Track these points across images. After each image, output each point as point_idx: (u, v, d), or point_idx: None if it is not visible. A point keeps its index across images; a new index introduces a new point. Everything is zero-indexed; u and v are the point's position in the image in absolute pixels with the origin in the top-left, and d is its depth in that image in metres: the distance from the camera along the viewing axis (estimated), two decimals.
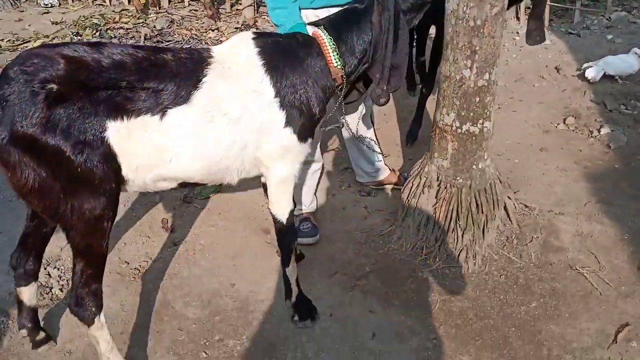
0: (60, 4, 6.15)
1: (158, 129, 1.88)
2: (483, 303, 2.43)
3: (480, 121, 2.39)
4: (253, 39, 2.06)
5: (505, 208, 2.65)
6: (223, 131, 1.97)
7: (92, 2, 6.17)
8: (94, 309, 2.00)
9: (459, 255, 2.57)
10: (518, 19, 5.12)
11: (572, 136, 3.60)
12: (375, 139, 3.12)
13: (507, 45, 4.78)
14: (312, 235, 2.85)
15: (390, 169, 3.24)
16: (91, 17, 5.64)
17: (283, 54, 2.07)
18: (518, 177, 3.25)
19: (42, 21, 5.73)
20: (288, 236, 2.30)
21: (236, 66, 2.00)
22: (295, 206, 2.35)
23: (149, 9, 5.79)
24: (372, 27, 2.14)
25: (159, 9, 5.86)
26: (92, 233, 1.89)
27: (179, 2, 6.00)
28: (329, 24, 2.20)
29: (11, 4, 5.94)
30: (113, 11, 5.82)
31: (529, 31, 2.99)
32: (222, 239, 2.93)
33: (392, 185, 3.22)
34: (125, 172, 1.90)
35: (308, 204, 2.94)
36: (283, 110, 2.06)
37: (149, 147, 1.89)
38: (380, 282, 2.58)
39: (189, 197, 3.26)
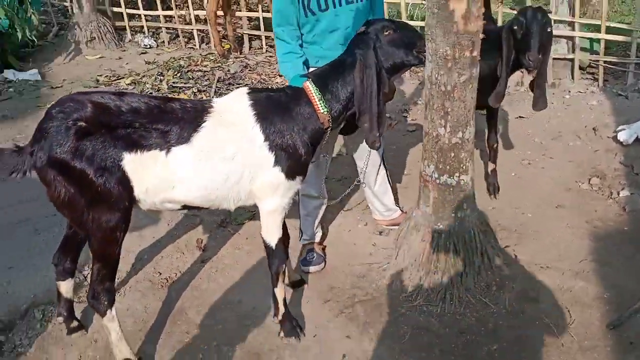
0: (157, 46, 6.98)
1: (164, 162, 2.33)
2: (449, 340, 2.65)
3: (457, 174, 2.65)
4: (248, 93, 2.49)
5: (487, 257, 2.84)
6: (218, 167, 2.38)
7: (185, 45, 6.96)
8: (106, 303, 2.45)
9: (437, 295, 2.81)
10: (573, 78, 5.22)
11: (593, 196, 3.69)
12: (387, 181, 3.42)
13: (555, 104, 4.89)
14: (317, 264, 3.19)
15: (402, 211, 3.52)
16: (180, 59, 6.40)
17: (273, 105, 2.48)
18: (527, 230, 3.41)
19: (138, 60, 6.57)
20: (276, 260, 2.65)
21: (232, 115, 2.42)
22: (286, 233, 2.72)
23: (230, 54, 6.47)
24: (353, 81, 2.52)
25: (239, 54, 6.52)
26: (107, 241, 2.36)
27: (258, 49, 6.64)
28: (317, 76, 2.59)
29: (115, 44, 6.85)
30: (200, 54, 6.56)
31: (535, 99, 3.23)
32: (243, 261, 3.33)
33: None
34: (137, 193, 2.35)
35: (313, 235, 3.29)
36: (272, 152, 2.45)
37: (156, 176, 2.33)
38: (364, 312, 2.86)
39: (225, 222, 3.70)
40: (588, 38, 5.25)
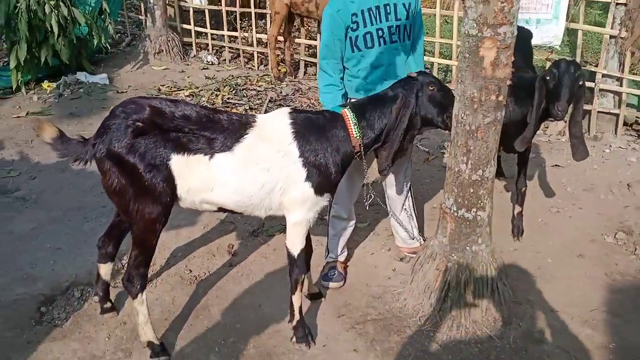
0: (219, 63, 7.40)
1: (207, 166, 2.57)
2: None
3: (474, 209, 2.80)
4: (289, 113, 2.73)
5: (498, 292, 2.96)
6: (255, 176, 2.61)
7: (244, 65, 7.36)
8: (138, 287, 2.70)
9: (445, 322, 2.94)
10: (616, 133, 5.26)
11: (616, 250, 3.74)
12: (413, 211, 3.58)
13: (593, 156, 4.94)
14: (337, 281, 3.37)
15: (424, 240, 3.67)
16: (238, 77, 6.78)
17: (310, 126, 2.70)
18: (544, 274, 3.49)
19: (199, 75, 6.99)
20: (296, 269, 2.84)
21: (272, 131, 2.66)
22: (309, 246, 2.91)
23: (285, 77, 6.80)
24: (390, 113, 2.73)
25: (294, 78, 6.85)
26: (147, 230, 2.62)
27: (312, 75, 6.96)
28: (355, 105, 2.83)
29: (180, 58, 7.31)
30: (257, 75, 6.92)
31: (573, 148, 3.35)
32: (268, 269, 3.53)
33: None
34: (179, 191, 2.61)
35: (338, 254, 3.47)
36: (305, 168, 2.66)
37: (199, 177, 2.58)
38: (373, 330, 3.02)
39: (257, 232, 3.93)
40: (636, 95, 5.29)
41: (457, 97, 2.66)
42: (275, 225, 3.93)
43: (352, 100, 2.97)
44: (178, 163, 2.54)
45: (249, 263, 3.61)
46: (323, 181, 2.72)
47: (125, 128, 2.47)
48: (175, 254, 3.65)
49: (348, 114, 2.76)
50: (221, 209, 2.77)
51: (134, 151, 2.47)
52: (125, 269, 3.42)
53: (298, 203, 2.72)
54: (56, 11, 5.63)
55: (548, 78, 3.13)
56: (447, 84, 3.02)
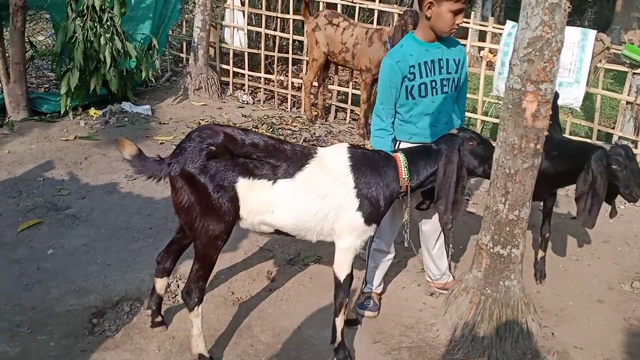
0: (253, 103, 7.80)
1: (269, 190, 2.84)
2: None
3: (509, 247, 3.04)
4: (348, 148, 3.02)
5: (527, 326, 3.17)
6: (311, 203, 2.88)
7: (278, 106, 7.75)
8: (196, 300, 2.92)
9: (477, 352, 3.14)
10: None
11: (633, 298, 3.96)
12: (445, 248, 3.83)
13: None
14: (373, 310, 3.58)
15: (454, 277, 3.90)
16: (272, 117, 7.14)
17: (366, 161, 2.99)
18: (566, 315, 3.70)
19: (235, 113, 7.34)
20: (342, 292, 3.06)
21: (331, 163, 2.94)
22: (352, 273, 3.14)
23: (317, 120, 7.16)
24: (433, 166, 3.06)
25: (325, 121, 7.23)
26: (209, 246, 2.85)
27: (342, 119, 7.34)
28: (406, 152, 3.13)
29: (218, 95, 7.69)
30: (290, 116, 7.29)
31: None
32: (305, 296, 3.75)
33: None
34: (242, 212, 2.86)
35: (376, 286, 3.69)
36: (357, 198, 2.93)
37: (261, 200, 2.84)
38: (408, 356, 3.22)
39: (294, 260, 4.16)
40: None
41: (499, 143, 2.95)
42: (311, 255, 4.17)
43: (403, 147, 3.27)
44: (243, 186, 2.80)
45: (287, 289, 3.82)
46: (372, 212, 2.97)
47: (200, 151, 2.74)
48: (218, 277, 3.88)
49: (400, 158, 3.06)
50: (277, 231, 3.02)
51: (206, 172, 2.73)
52: (170, 289, 3.68)
53: (348, 230, 2.97)
54: (111, 43, 6.00)
55: (615, 167, 3.44)
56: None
